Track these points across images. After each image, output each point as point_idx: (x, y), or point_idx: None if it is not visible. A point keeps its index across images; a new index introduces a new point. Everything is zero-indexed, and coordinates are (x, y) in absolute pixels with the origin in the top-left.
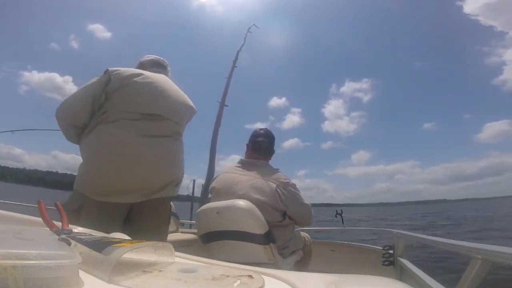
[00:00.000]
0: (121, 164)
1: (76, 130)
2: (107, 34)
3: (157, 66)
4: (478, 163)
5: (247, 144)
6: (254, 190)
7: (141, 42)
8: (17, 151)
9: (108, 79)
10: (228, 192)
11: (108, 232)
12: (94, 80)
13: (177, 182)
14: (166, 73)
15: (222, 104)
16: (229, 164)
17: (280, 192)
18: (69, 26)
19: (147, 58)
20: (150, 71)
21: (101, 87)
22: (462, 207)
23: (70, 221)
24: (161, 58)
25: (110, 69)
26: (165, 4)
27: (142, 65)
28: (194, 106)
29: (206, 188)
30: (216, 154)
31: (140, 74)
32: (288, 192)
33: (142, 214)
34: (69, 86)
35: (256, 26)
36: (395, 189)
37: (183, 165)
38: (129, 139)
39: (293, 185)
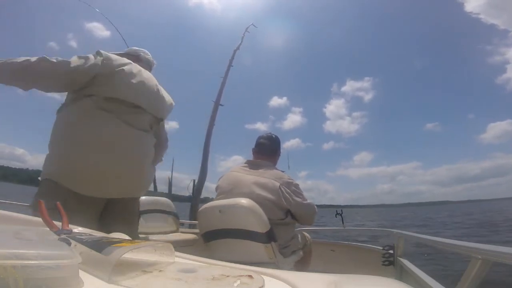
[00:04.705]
0: (111, 159)
1: (67, 83)
2: (106, 33)
3: (149, 67)
4: (481, 164)
5: (252, 149)
6: (258, 187)
7: (139, 40)
8: (19, 151)
9: (101, 63)
10: (233, 189)
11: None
12: (94, 60)
13: (151, 182)
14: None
15: (217, 104)
16: (230, 165)
17: (283, 190)
18: (67, 24)
19: (146, 56)
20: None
21: (97, 70)
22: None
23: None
24: (154, 61)
25: (103, 53)
26: (163, 2)
27: (137, 59)
28: (173, 103)
29: (198, 187)
30: (217, 155)
31: (128, 63)
32: (291, 191)
33: (116, 211)
34: None
35: (254, 25)
36: (397, 191)
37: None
38: (118, 131)
39: (296, 185)
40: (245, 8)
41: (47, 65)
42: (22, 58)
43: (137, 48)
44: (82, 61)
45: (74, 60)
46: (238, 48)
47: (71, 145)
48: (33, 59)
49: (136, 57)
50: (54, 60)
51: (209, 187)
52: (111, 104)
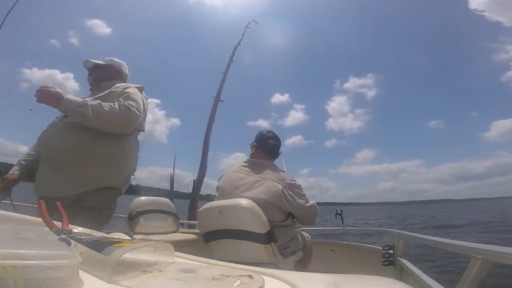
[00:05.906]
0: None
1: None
2: (107, 30)
3: (126, 80)
4: (485, 162)
5: (253, 144)
6: (260, 191)
7: (140, 38)
8: (24, 148)
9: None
10: (234, 191)
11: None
12: (144, 102)
13: None
14: None
15: (217, 99)
16: (232, 162)
17: (286, 193)
18: (68, 22)
19: (126, 70)
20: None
21: None
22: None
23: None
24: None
25: (143, 91)
26: (164, 0)
27: (118, 72)
28: None
29: (197, 184)
30: (219, 152)
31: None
32: (294, 193)
33: None
34: (70, 83)
35: (255, 22)
36: (399, 189)
37: None
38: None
39: (299, 186)
40: (246, 5)
41: (134, 117)
42: (108, 106)
43: (118, 60)
44: (142, 105)
45: (139, 108)
46: (239, 44)
47: (131, 163)
48: (123, 109)
49: (117, 70)
50: (138, 113)
51: (211, 184)
52: (137, 133)
